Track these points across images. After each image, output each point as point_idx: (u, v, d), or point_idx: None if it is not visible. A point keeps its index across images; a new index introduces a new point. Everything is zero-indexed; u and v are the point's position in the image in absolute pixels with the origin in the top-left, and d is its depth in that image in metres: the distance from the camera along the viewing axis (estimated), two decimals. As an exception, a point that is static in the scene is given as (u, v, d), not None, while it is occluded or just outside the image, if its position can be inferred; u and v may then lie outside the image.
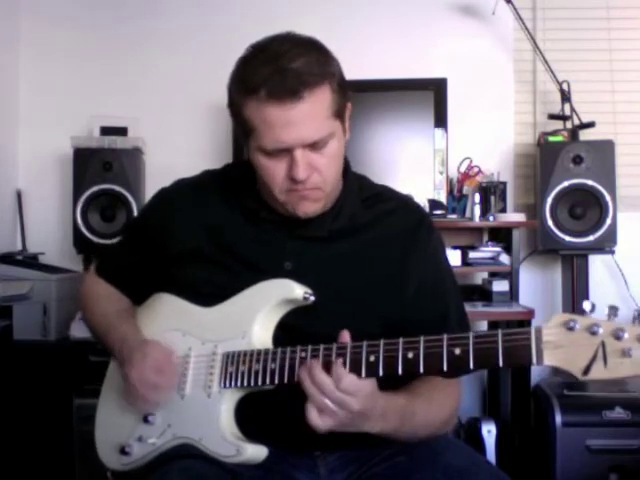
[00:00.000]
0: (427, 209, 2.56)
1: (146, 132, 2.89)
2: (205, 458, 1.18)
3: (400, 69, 2.87)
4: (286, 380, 1.16)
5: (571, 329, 0.99)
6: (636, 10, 2.96)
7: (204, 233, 1.33)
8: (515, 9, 2.76)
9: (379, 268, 1.30)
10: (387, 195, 1.39)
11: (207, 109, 3.00)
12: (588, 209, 2.63)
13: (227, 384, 1.20)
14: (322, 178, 1.23)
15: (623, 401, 2.31)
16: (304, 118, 1.17)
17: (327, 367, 1.10)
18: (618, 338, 0.96)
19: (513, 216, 2.72)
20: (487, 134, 2.98)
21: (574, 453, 2.28)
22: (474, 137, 2.95)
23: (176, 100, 3.03)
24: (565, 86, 2.73)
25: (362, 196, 1.36)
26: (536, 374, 2.61)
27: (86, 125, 2.90)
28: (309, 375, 1.10)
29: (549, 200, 2.62)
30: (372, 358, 1.10)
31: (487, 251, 2.62)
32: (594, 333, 0.97)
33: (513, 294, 2.58)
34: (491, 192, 2.75)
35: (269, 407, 1.24)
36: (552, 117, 2.78)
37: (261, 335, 1.23)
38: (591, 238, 2.61)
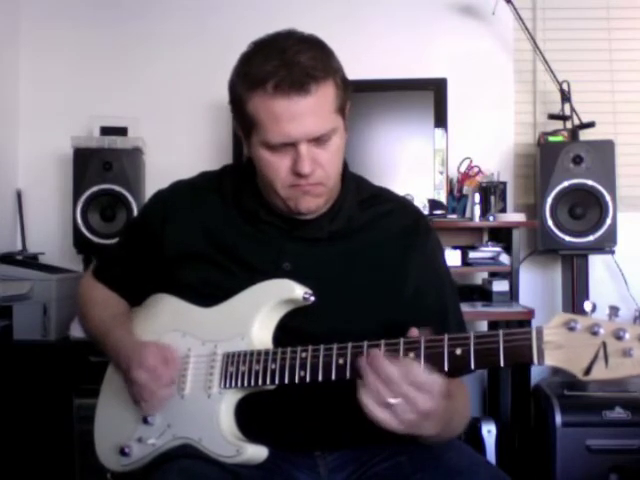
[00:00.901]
0: (427, 209, 2.56)
1: (146, 132, 2.88)
2: (205, 459, 1.18)
3: (400, 69, 2.87)
4: (287, 380, 1.15)
5: (572, 329, 0.99)
6: (636, 10, 2.96)
7: (202, 234, 1.33)
8: (515, 9, 2.76)
9: (377, 269, 1.30)
10: (385, 196, 1.39)
11: (207, 109, 3.00)
12: (588, 209, 2.63)
13: (227, 384, 1.20)
14: (325, 173, 1.24)
15: (623, 401, 2.30)
16: (310, 112, 1.18)
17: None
18: (619, 338, 0.96)
19: (513, 216, 2.72)
20: (487, 134, 2.98)
21: (574, 453, 2.28)
22: (474, 137, 2.95)
23: (176, 100, 3.03)
24: (565, 86, 2.73)
25: (360, 197, 1.36)
26: (536, 374, 2.61)
27: (86, 125, 2.90)
28: (372, 366, 1.06)
29: (549, 200, 2.62)
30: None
31: (487, 251, 2.62)
32: (595, 333, 0.97)
33: (513, 294, 2.58)
34: (491, 192, 2.75)
35: (269, 407, 1.24)
36: (552, 117, 2.78)
37: (261, 335, 1.23)
38: (591, 238, 2.61)
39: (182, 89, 3.04)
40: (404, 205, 1.40)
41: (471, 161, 2.83)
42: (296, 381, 1.15)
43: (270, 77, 1.16)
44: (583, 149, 2.62)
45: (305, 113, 1.17)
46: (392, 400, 1.04)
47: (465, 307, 2.40)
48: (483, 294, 2.65)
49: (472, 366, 1.05)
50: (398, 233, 1.33)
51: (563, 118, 2.73)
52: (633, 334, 0.95)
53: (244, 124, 1.24)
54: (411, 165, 2.73)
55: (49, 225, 3.01)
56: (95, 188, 2.70)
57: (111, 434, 1.32)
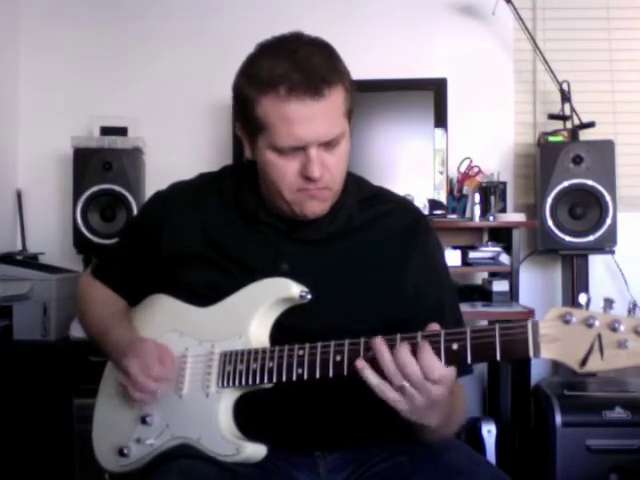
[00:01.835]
0: (427, 209, 2.56)
1: (146, 132, 2.88)
2: (204, 458, 1.18)
3: (400, 69, 2.87)
4: (284, 378, 1.15)
5: (567, 322, 0.99)
6: (636, 10, 2.96)
7: (201, 235, 1.33)
8: (515, 9, 2.76)
9: (376, 269, 1.30)
10: (384, 197, 1.39)
11: (207, 109, 3.00)
12: (588, 209, 2.63)
13: (225, 383, 1.20)
14: (332, 178, 1.23)
15: (623, 401, 2.30)
16: (322, 116, 1.17)
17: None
18: (614, 330, 0.96)
19: (513, 216, 2.72)
20: (487, 134, 2.98)
21: (574, 453, 2.28)
22: (474, 137, 2.95)
23: (176, 100, 3.03)
24: (565, 86, 2.73)
25: (359, 197, 1.35)
26: (536, 374, 2.61)
27: (86, 125, 2.90)
28: (391, 355, 1.06)
29: (549, 200, 2.62)
30: (370, 354, 1.10)
31: (487, 251, 2.62)
32: (590, 325, 0.98)
33: (513, 294, 2.58)
34: (491, 192, 2.75)
35: (268, 406, 1.24)
36: (552, 117, 2.78)
37: (258, 334, 1.23)
38: (591, 238, 2.61)
39: (182, 89, 3.04)
40: (404, 205, 1.40)
41: (471, 161, 2.83)
42: (294, 379, 1.15)
43: (282, 80, 1.15)
44: (583, 149, 2.62)
45: (317, 117, 1.17)
46: (406, 383, 1.05)
47: (465, 307, 2.40)
48: (483, 294, 2.65)
49: (469, 360, 1.05)
50: (398, 233, 1.33)
51: (563, 118, 2.73)
52: (628, 326, 0.96)
53: (250, 126, 1.23)
54: (411, 165, 2.73)
55: (49, 225, 3.01)
56: (95, 188, 2.70)
57: (109, 435, 1.32)
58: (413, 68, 2.89)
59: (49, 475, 2.44)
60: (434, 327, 1.10)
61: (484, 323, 2.71)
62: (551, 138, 2.71)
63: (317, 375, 1.13)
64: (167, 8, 3.06)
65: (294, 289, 1.21)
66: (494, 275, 2.69)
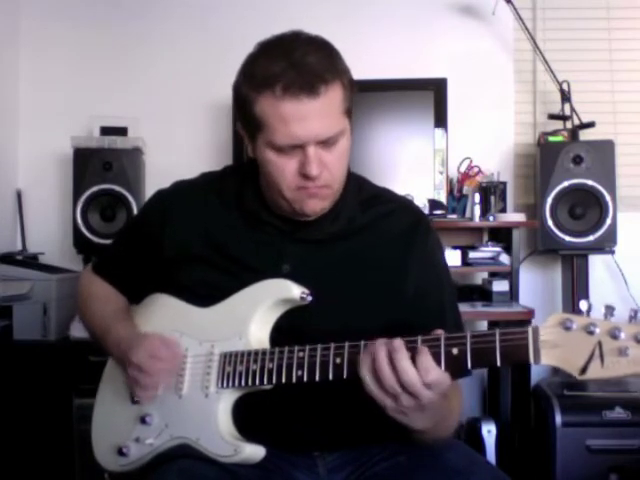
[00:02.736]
0: (427, 209, 2.56)
1: (146, 132, 2.89)
2: (204, 459, 1.18)
3: (400, 69, 2.87)
4: (284, 380, 1.15)
5: (568, 328, 0.99)
6: (636, 10, 2.96)
7: (202, 235, 1.33)
8: (515, 9, 2.76)
9: (377, 270, 1.30)
10: (386, 197, 1.39)
11: (207, 109, 3.01)
12: (588, 209, 2.63)
13: (224, 384, 1.20)
14: (331, 176, 1.23)
15: (623, 401, 2.30)
16: (319, 114, 1.17)
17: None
18: (615, 337, 0.96)
19: (513, 216, 2.72)
20: (487, 134, 2.98)
21: (574, 453, 2.28)
22: (474, 137, 2.95)
23: (176, 100, 3.04)
24: (565, 86, 2.73)
25: (361, 198, 1.35)
26: (536, 374, 2.61)
27: (86, 125, 2.90)
28: (389, 358, 1.06)
29: (549, 200, 2.62)
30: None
31: (487, 251, 2.62)
32: (591, 332, 0.98)
33: (513, 294, 2.58)
34: (491, 192, 2.75)
35: (268, 406, 1.24)
36: (552, 117, 2.78)
37: (258, 335, 1.23)
38: (591, 238, 2.61)
39: (182, 89, 3.04)
40: (405, 205, 1.40)
41: (471, 161, 2.82)
42: (293, 381, 1.15)
43: (279, 79, 1.15)
44: (583, 149, 2.62)
45: (314, 115, 1.17)
46: (398, 389, 1.05)
47: (465, 307, 2.40)
48: (483, 294, 2.64)
49: (469, 365, 1.05)
50: (399, 234, 1.33)
51: (563, 118, 2.73)
52: (628, 333, 0.96)
53: (250, 125, 1.23)
54: (411, 165, 2.73)
55: (49, 225, 3.01)
56: (95, 188, 2.70)
57: (109, 434, 1.32)
58: (413, 68, 2.89)
59: (49, 475, 2.44)
60: (439, 332, 1.09)
61: (484, 323, 2.72)
62: (551, 138, 2.71)
63: (317, 378, 1.13)
64: (167, 8, 3.07)
65: (295, 290, 1.21)
66: (494, 275, 2.69)
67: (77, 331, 2.47)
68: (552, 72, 2.74)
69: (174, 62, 3.05)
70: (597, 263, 2.87)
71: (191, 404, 1.23)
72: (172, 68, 3.05)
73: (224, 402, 1.21)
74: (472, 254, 2.60)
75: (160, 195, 1.43)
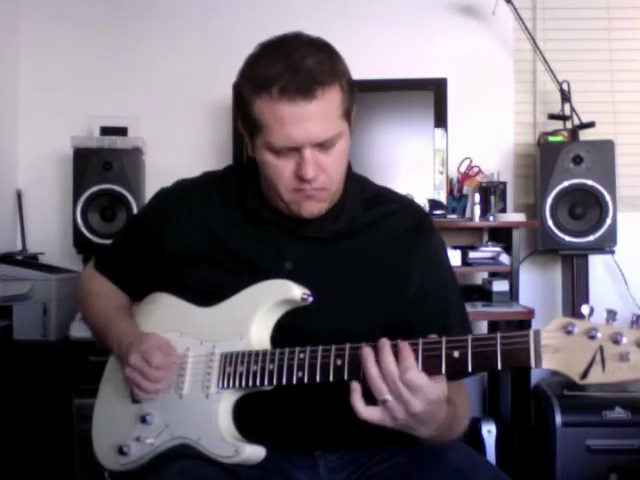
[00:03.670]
0: (427, 209, 2.55)
1: (146, 132, 2.88)
2: (204, 459, 1.18)
3: (400, 69, 2.87)
4: (284, 381, 1.15)
5: (570, 333, 0.99)
6: (636, 10, 2.96)
7: (204, 233, 1.33)
8: (515, 9, 2.76)
9: (380, 270, 1.29)
10: (388, 197, 1.38)
11: (207, 109, 3.00)
12: (588, 209, 2.63)
13: (225, 384, 1.20)
14: (328, 178, 1.23)
15: (623, 401, 2.31)
16: (315, 117, 1.17)
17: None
18: (616, 342, 0.96)
19: (513, 216, 2.72)
20: (487, 134, 2.98)
21: (574, 453, 2.28)
22: (474, 137, 2.95)
23: (176, 100, 3.03)
24: (565, 86, 2.73)
25: (363, 197, 1.35)
26: (536, 374, 2.61)
27: (86, 125, 2.90)
28: (374, 354, 1.07)
29: (549, 200, 2.62)
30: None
31: (487, 251, 2.62)
32: (592, 337, 0.97)
33: (513, 294, 2.58)
34: (491, 192, 2.75)
35: (268, 407, 1.24)
36: (552, 117, 2.78)
37: (259, 336, 1.22)
38: (591, 238, 2.61)
39: (182, 89, 3.04)
40: (408, 205, 1.40)
41: (471, 161, 2.82)
42: (294, 382, 1.15)
43: (276, 81, 1.15)
44: (583, 149, 2.62)
45: (310, 118, 1.17)
46: (387, 396, 1.05)
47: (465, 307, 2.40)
48: (483, 294, 2.64)
49: (469, 369, 1.05)
50: (402, 233, 1.33)
51: (563, 118, 2.73)
52: (630, 338, 0.95)
53: (249, 126, 1.24)
54: (411, 165, 2.72)
55: (49, 225, 3.01)
56: (95, 188, 2.70)
57: (109, 433, 1.32)
58: (413, 68, 2.89)
59: (49, 475, 2.44)
60: (433, 337, 1.10)
61: (484, 323, 2.72)
62: (551, 138, 2.71)
63: (317, 379, 1.13)
64: (167, 8, 3.06)
65: (296, 291, 1.21)
66: (494, 275, 2.69)
67: (77, 331, 2.47)
68: (552, 72, 2.74)
69: (174, 62, 3.05)
70: (597, 263, 2.87)
71: (192, 404, 1.23)
72: (172, 68, 3.05)
73: (225, 402, 1.21)
74: (472, 254, 2.59)
75: (163, 193, 1.44)
